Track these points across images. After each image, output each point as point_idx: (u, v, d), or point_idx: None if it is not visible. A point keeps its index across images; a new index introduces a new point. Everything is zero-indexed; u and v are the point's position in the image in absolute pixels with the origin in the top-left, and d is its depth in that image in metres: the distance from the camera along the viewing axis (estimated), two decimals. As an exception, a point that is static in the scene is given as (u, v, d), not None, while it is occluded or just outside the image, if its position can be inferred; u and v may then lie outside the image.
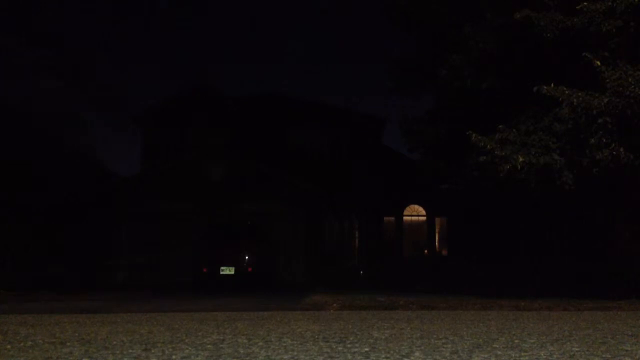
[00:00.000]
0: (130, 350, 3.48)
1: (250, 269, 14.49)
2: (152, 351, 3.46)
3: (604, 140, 9.43)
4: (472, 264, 17.15)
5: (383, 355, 3.26)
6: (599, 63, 9.53)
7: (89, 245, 18.99)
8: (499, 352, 3.39)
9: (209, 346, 3.65)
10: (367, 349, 3.50)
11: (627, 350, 3.51)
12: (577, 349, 3.54)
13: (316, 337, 4.15)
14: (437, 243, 22.38)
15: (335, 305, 8.11)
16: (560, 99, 9.64)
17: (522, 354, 3.34)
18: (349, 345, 3.67)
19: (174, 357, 3.23)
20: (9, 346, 3.77)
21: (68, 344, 3.84)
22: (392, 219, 22.14)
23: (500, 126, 10.39)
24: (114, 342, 3.88)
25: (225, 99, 22.85)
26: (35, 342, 3.94)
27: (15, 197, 17.62)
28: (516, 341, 3.93)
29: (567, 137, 9.88)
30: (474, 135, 10.39)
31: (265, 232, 16.12)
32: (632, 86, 9.13)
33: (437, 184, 13.05)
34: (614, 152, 9.37)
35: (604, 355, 3.30)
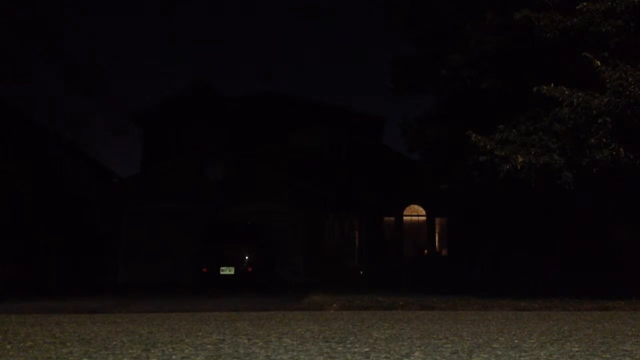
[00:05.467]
0: (130, 351, 3.48)
1: (250, 269, 14.48)
2: (152, 351, 3.45)
3: (604, 140, 9.43)
4: (472, 264, 17.14)
5: (383, 356, 3.26)
6: (599, 63, 9.53)
7: (90, 246, 19.00)
8: (499, 352, 3.39)
9: (209, 346, 3.64)
10: (367, 349, 3.50)
11: (627, 350, 3.50)
12: (577, 349, 3.53)
13: (316, 337, 4.15)
14: (437, 243, 22.38)
15: (335, 305, 8.11)
16: (560, 99, 9.63)
17: (522, 354, 3.34)
18: (349, 346, 3.67)
19: (174, 357, 3.23)
20: (9, 346, 3.76)
21: (68, 344, 3.84)
22: (392, 219, 22.14)
23: (500, 126, 10.39)
24: (114, 342, 3.88)
25: (225, 99, 22.85)
26: (35, 342, 3.94)
27: (16, 198, 17.62)
28: (516, 341, 3.92)
29: (567, 137, 9.87)
30: (474, 135, 10.39)
31: (265, 232, 16.11)
32: (632, 86, 9.13)
33: (437, 184, 13.04)
34: (614, 152, 9.37)
35: (604, 355, 3.30)
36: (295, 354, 3.34)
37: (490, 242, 17.39)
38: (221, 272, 14.28)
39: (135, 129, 23.55)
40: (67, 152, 22.72)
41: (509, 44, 11.31)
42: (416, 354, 3.33)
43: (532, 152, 9.85)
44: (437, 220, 22.31)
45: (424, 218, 22.18)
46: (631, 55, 9.71)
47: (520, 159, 9.75)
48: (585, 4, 9.84)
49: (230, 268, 14.33)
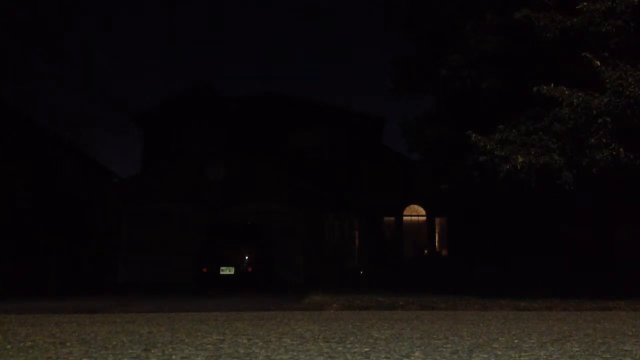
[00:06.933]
0: (130, 351, 3.48)
1: (250, 269, 14.47)
2: (152, 351, 3.45)
3: (604, 140, 9.43)
4: (472, 264, 17.14)
5: (383, 355, 3.26)
6: (598, 63, 9.53)
7: (90, 246, 19.00)
8: (499, 352, 3.38)
9: (209, 346, 3.64)
10: (367, 349, 3.50)
11: (627, 350, 3.50)
12: (577, 349, 3.53)
13: (316, 337, 4.15)
14: (437, 243, 22.37)
15: (335, 305, 8.11)
16: (560, 99, 9.64)
17: (522, 354, 3.34)
18: (349, 346, 3.66)
19: (174, 357, 3.23)
20: (9, 346, 3.76)
21: (68, 344, 3.84)
22: (392, 219, 22.13)
23: (500, 126, 10.40)
24: (114, 342, 3.88)
25: (225, 99, 22.85)
26: (35, 342, 3.94)
27: (16, 197, 17.62)
28: (516, 341, 3.92)
29: (567, 137, 9.87)
30: (474, 135, 10.40)
31: (265, 232, 16.10)
32: (632, 86, 9.13)
33: (437, 184, 13.05)
34: (614, 152, 9.38)
35: (604, 355, 3.30)
36: (295, 354, 3.33)
37: (490, 242, 17.40)
38: (221, 272, 14.28)
39: (135, 129, 23.55)
40: (67, 152, 22.72)
41: (509, 44, 11.31)
42: (416, 354, 3.33)
43: (532, 152, 9.86)
44: (437, 220, 22.30)
45: (424, 218, 22.18)
46: (631, 55, 9.71)
47: (520, 159, 9.75)
48: (585, 4, 9.84)
49: (230, 268, 14.33)
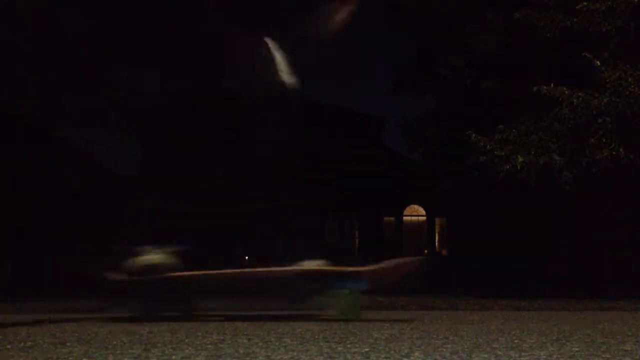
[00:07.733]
0: (130, 350, 3.48)
1: (250, 269, 14.48)
2: (152, 351, 3.45)
3: (604, 140, 9.45)
4: (471, 264, 17.15)
5: (383, 355, 3.26)
6: (599, 63, 9.55)
7: (89, 245, 19.00)
8: (499, 352, 3.38)
9: (209, 346, 3.65)
10: (367, 349, 3.50)
11: (627, 350, 3.50)
12: (577, 349, 3.53)
13: (316, 337, 4.15)
14: (437, 243, 22.42)
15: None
16: (560, 99, 9.66)
17: (522, 354, 3.34)
18: (349, 346, 3.66)
19: (174, 357, 3.23)
20: (9, 346, 3.76)
21: (68, 344, 3.84)
22: (392, 219, 22.18)
23: (500, 126, 10.42)
24: (114, 342, 3.88)
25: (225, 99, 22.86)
26: (35, 342, 3.94)
27: (16, 197, 17.63)
28: (516, 341, 3.92)
29: (567, 137, 9.90)
30: (474, 135, 10.42)
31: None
32: (632, 86, 9.15)
33: (437, 184, 13.07)
34: (614, 152, 9.39)
35: (604, 355, 3.30)
36: (295, 354, 3.33)
37: (490, 242, 17.41)
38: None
39: (135, 128, 23.56)
40: (67, 152, 22.72)
41: (509, 43, 11.34)
42: (416, 354, 3.33)
43: (532, 152, 9.88)
44: (437, 220, 22.36)
45: (424, 218, 22.22)
46: (631, 55, 9.73)
47: (520, 159, 9.78)
48: (585, 3, 9.86)
49: (230, 268, 14.33)
